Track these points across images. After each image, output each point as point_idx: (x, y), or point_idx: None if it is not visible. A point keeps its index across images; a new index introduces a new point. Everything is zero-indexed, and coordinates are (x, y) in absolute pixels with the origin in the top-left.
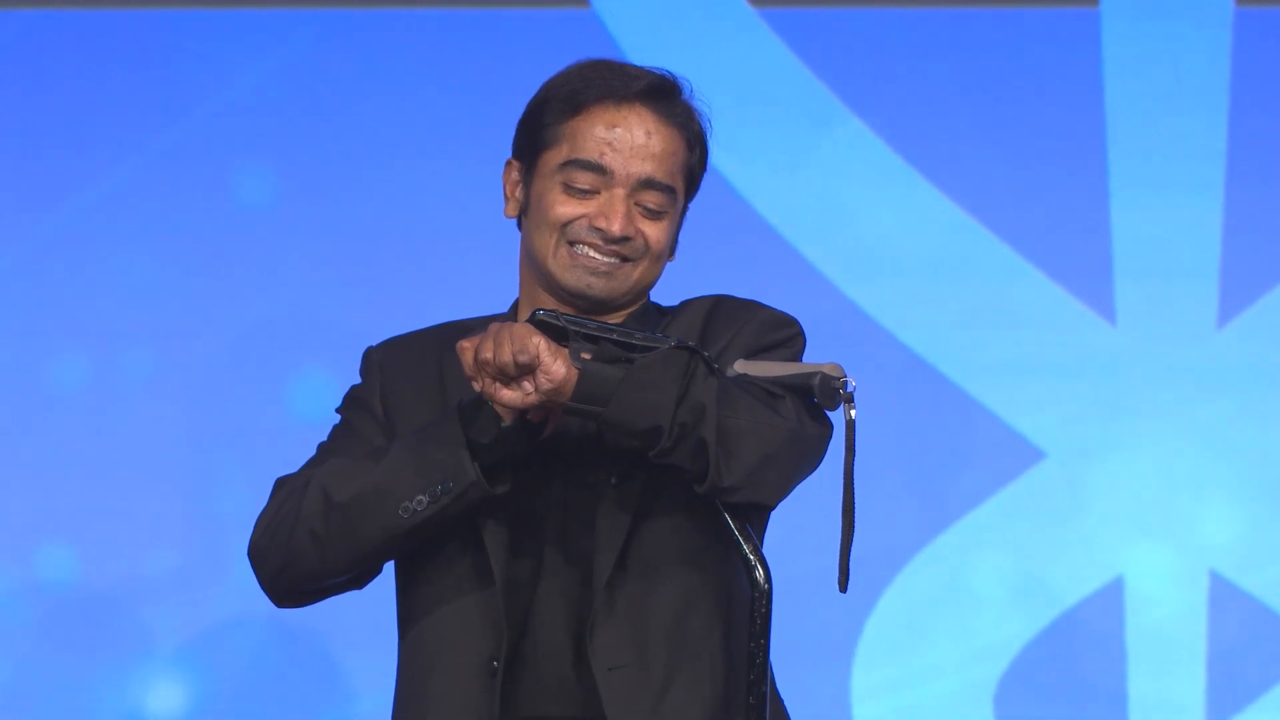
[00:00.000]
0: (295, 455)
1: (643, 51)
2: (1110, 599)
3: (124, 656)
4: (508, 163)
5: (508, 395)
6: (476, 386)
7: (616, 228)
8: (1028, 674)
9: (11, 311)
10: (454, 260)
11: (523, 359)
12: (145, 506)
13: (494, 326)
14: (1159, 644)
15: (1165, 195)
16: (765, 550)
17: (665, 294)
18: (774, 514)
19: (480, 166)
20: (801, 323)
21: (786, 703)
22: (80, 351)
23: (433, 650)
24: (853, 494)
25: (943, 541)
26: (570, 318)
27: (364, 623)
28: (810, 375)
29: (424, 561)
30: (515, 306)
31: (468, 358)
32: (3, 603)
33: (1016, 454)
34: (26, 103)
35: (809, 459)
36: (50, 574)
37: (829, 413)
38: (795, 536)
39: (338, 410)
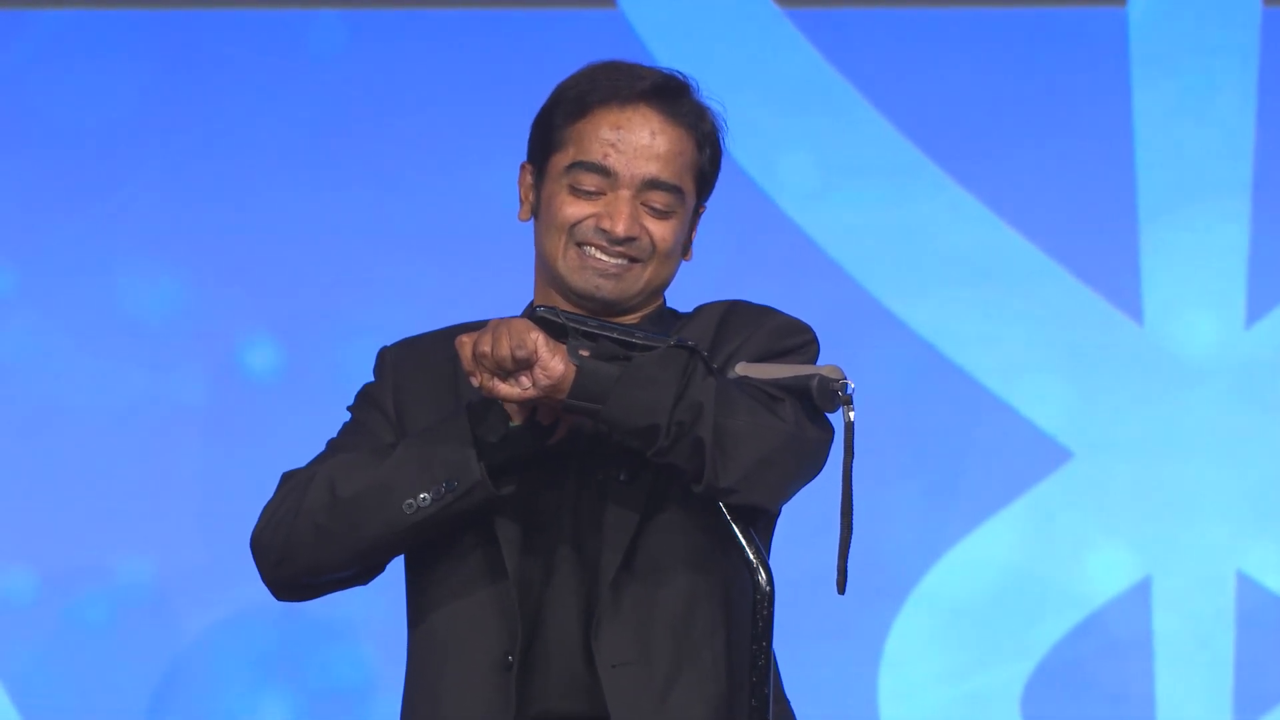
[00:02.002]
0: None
1: (669, 52)
2: (1138, 599)
3: (138, 656)
4: (521, 166)
5: (505, 389)
6: (474, 382)
7: (620, 228)
8: (1055, 675)
9: (31, 313)
10: (476, 262)
11: (520, 354)
12: (160, 506)
13: (493, 322)
14: (1187, 645)
15: (1193, 195)
16: (791, 546)
17: (690, 294)
18: (801, 512)
19: (504, 168)
20: (827, 323)
21: (814, 702)
22: (102, 354)
23: (446, 645)
24: (851, 497)
25: (970, 541)
26: (570, 315)
27: (373, 617)
28: (809, 378)
29: (436, 556)
30: (529, 308)
31: (466, 351)
32: (30, 601)
33: (1043, 454)
34: (43, 104)
35: (808, 462)
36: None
37: (830, 415)
38: (821, 536)
39: (349, 408)
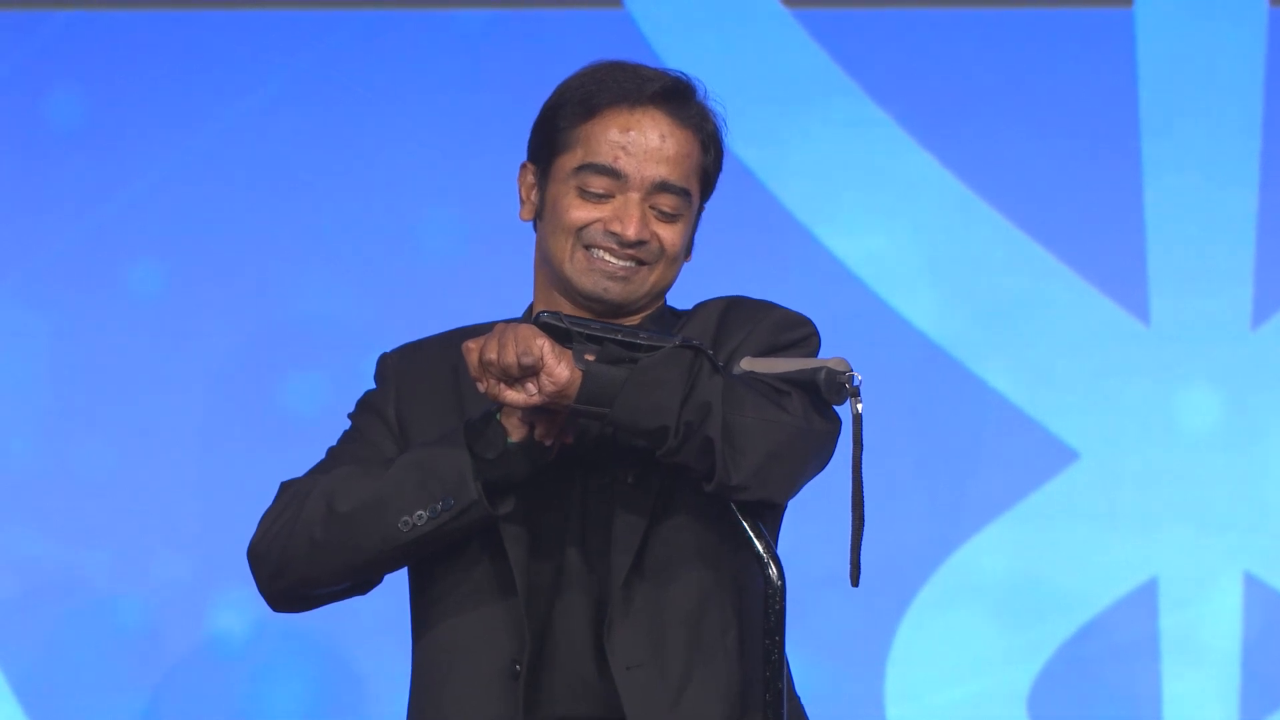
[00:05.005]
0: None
1: (675, 52)
2: (1144, 600)
3: (135, 657)
4: (523, 165)
5: (512, 395)
6: (481, 387)
7: (631, 232)
8: (1062, 675)
9: (31, 312)
10: (471, 263)
11: (526, 360)
12: (160, 508)
13: (499, 327)
14: (1193, 645)
15: (1199, 196)
16: (796, 549)
17: (697, 292)
18: (807, 512)
19: (513, 169)
20: (834, 323)
21: (820, 703)
22: (108, 351)
23: (453, 653)
24: (861, 489)
25: (976, 542)
26: (574, 319)
27: (376, 623)
28: (815, 370)
29: (442, 564)
30: (530, 310)
31: (472, 358)
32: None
33: (1050, 455)
34: (48, 104)
35: (817, 455)
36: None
37: (837, 408)
38: (828, 535)
39: (349, 415)
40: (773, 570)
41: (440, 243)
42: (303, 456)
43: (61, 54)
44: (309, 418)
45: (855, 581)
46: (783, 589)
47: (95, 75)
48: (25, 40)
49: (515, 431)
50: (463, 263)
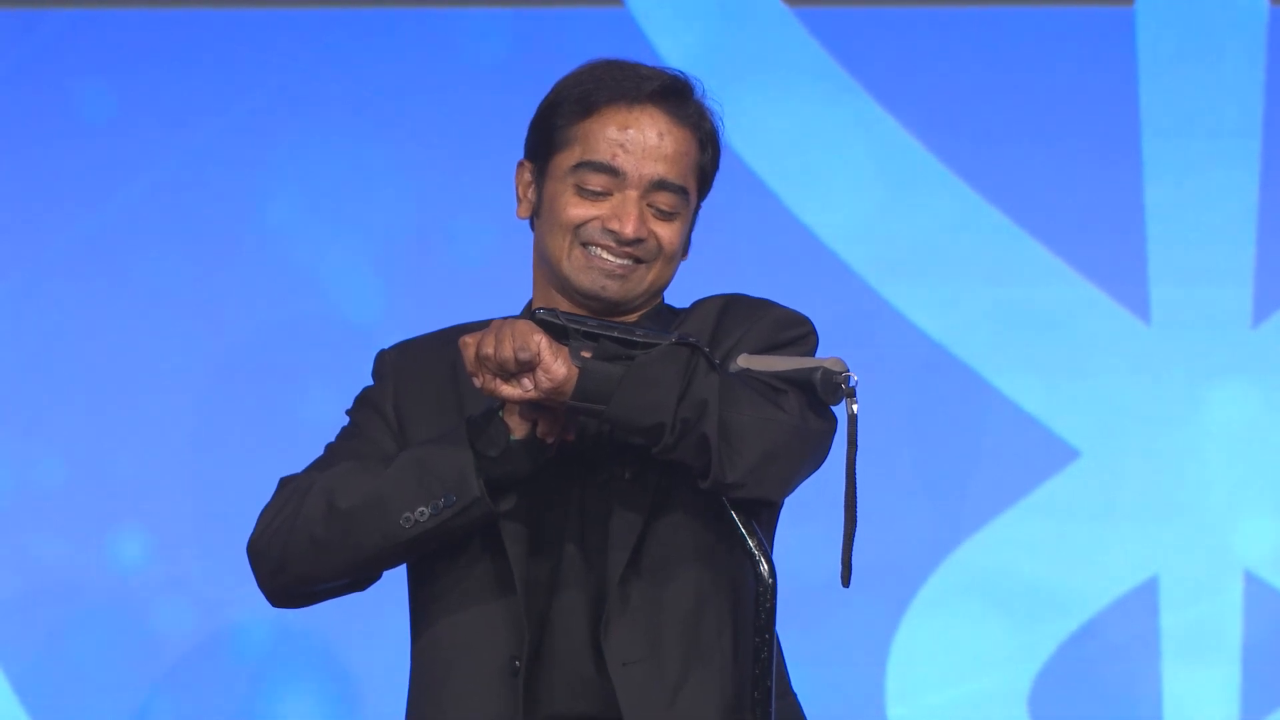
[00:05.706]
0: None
1: (676, 51)
2: (1145, 599)
3: (130, 656)
4: (520, 163)
5: (508, 390)
6: (477, 382)
7: (629, 230)
8: (1062, 674)
9: (25, 315)
10: (469, 261)
11: (524, 356)
12: (161, 507)
13: (496, 323)
14: (1193, 644)
15: (1200, 195)
16: (797, 549)
17: (694, 290)
18: (808, 511)
19: (509, 167)
20: (835, 322)
21: (820, 703)
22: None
23: (452, 650)
24: (854, 490)
25: (977, 541)
26: (570, 315)
27: (376, 623)
28: (812, 370)
29: (441, 561)
30: (528, 307)
31: (469, 353)
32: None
33: (1051, 453)
34: (44, 105)
35: (812, 454)
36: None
37: (833, 407)
38: (829, 536)
39: (347, 412)
40: (764, 567)
41: (438, 241)
42: (304, 456)
43: (62, 52)
44: (314, 418)
45: (846, 582)
46: (774, 587)
47: (97, 72)
48: (25, 39)
49: (518, 429)
50: (461, 261)
